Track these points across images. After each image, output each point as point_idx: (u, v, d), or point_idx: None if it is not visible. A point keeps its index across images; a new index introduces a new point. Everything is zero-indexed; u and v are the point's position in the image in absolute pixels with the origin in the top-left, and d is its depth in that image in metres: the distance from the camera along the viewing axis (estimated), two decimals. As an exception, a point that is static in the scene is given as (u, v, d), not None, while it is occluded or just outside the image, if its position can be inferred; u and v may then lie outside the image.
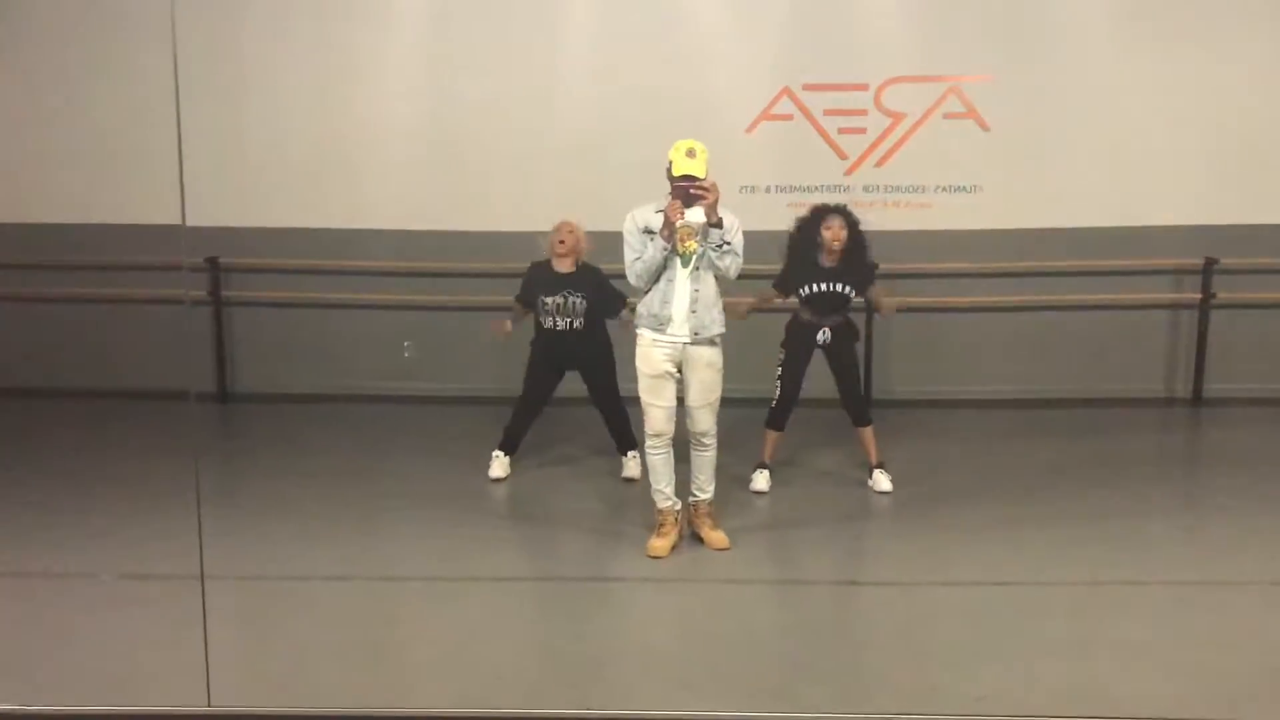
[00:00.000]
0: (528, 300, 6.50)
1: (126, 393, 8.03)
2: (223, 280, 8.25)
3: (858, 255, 6.22)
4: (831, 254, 6.16)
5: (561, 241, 6.37)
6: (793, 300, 6.35)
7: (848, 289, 6.20)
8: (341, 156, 8.08)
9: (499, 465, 6.54)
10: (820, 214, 6.22)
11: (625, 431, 6.56)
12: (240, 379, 8.43)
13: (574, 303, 6.35)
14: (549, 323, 6.38)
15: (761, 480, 6.36)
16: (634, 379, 5.55)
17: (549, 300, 6.35)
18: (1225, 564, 5.37)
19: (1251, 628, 4.77)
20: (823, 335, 6.24)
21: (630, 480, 6.47)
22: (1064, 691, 4.19)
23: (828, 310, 6.25)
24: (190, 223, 7.89)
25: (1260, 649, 4.57)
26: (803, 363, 6.34)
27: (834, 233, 6.12)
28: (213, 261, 8.19)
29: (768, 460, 6.41)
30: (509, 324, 6.55)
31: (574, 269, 6.41)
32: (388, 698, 4.17)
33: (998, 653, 4.51)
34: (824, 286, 6.19)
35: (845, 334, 6.35)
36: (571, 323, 6.36)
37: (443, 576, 5.28)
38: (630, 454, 6.54)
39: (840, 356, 6.34)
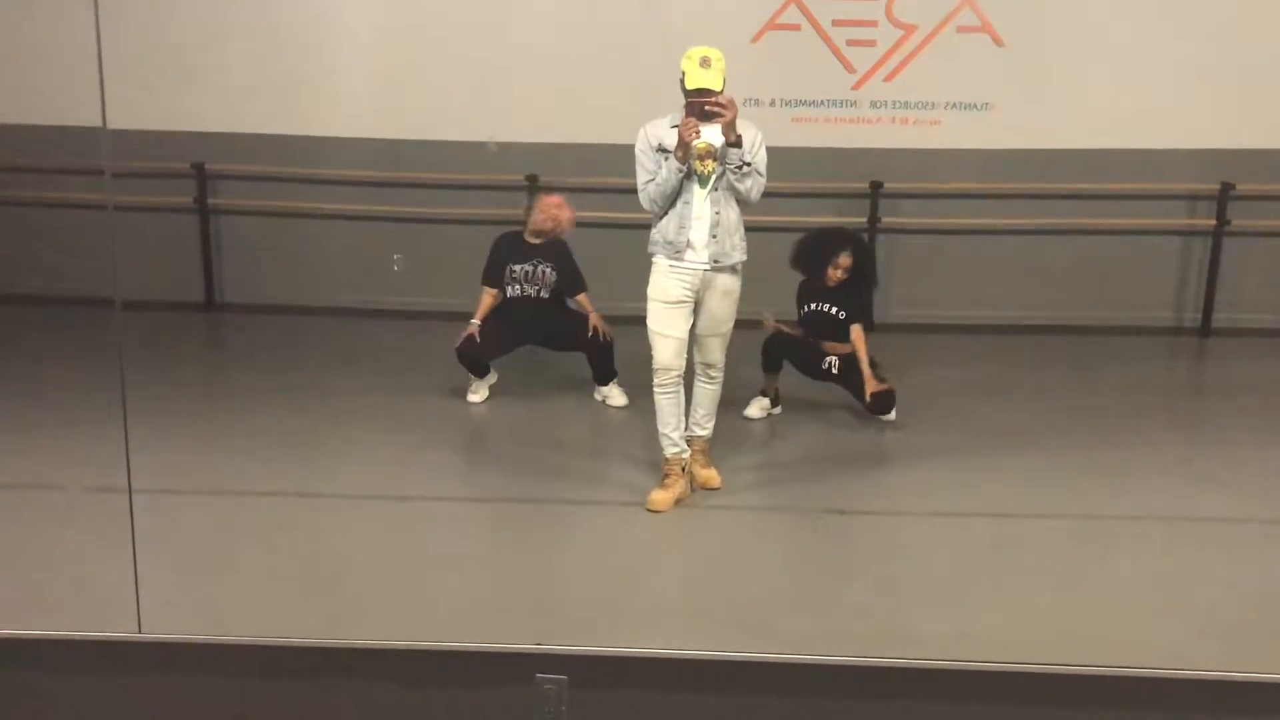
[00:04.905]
0: (494, 278, 6.27)
1: (77, 299, 7.34)
2: (210, 187, 8.04)
3: (860, 285, 6.16)
4: (834, 280, 6.09)
5: (544, 222, 6.20)
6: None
7: (842, 314, 6.09)
8: (332, 62, 7.76)
9: (478, 390, 6.34)
10: (830, 244, 6.09)
11: (607, 363, 6.34)
12: (228, 289, 8.25)
13: (542, 271, 6.22)
14: (513, 290, 6.24)
15: (755, 407, 6.20)
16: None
17: (517, 268, 6.21)
18: (1221, 499, 5.21)
19: (1248, 567, 4.62)
20: (827, 363, 6.16)
21: (618, 407, 6.28)
22: (1051, 630, 4.06)
23: (823, 332, 6.15)
24: (177, 127, 7.82)
25: (1258, 589, 4.44)
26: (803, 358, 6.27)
27: (837, 274, 6.06)
28: (199, 168, 7.98)
29: (768, 393, 6.27)
30: (476, 333, 6.20)
31: (544, 242, 6.26)
32: (335, 627, 3.97)
33: (985, 587, 4.39)
34: (822, 307, 6.13)
35: (851, 366, 6.10)
36: (538, 291, 6.23)
37: (408, 496, 5.14)
38: (610, 384, 6.34)
39: (850, 380, 6.13)
